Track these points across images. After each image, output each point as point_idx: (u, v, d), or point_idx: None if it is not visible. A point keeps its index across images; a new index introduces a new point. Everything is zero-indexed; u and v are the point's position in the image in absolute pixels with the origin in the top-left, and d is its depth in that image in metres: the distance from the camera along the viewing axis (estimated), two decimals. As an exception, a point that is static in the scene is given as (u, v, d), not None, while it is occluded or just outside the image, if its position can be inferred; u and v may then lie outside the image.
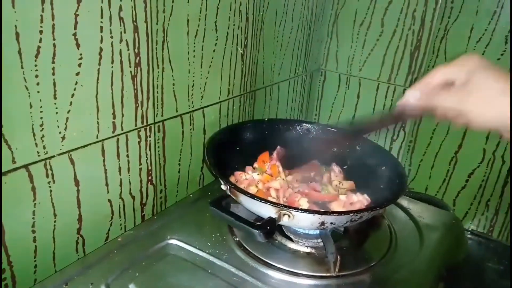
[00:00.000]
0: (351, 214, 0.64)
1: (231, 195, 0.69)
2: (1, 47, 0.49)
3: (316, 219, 0.62)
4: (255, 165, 0.86)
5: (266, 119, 1.00)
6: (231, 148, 0.86)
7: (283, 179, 0.79)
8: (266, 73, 1.05)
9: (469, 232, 1.19)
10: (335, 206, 0.74)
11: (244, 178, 0.80)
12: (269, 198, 0.73)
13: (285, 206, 0.62)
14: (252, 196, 0.64)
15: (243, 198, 0.66)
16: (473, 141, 1.12)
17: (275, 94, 1.13)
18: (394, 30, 1.17)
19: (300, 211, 0.62)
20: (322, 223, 0.63)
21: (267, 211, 0.63)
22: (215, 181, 0.93)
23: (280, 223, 0.63)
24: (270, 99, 1.11)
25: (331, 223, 0.64)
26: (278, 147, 0.90)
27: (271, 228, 0.61)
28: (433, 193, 1.23)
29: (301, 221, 0.64)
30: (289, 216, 0.61)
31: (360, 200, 0.75)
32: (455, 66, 0.50)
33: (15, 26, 0.50)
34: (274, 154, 0.88)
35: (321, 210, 0.71)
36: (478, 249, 1.17)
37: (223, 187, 0.70)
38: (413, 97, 0.53)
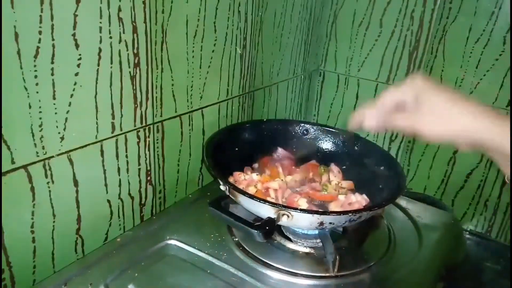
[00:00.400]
0: (350, 214, 0.64)
1: (230, 196, 0.69)
2: (1, 48, 0.49)
3: (315, 219, 0.63)
4: (254, 165, 0.87)
5: (265, 120, 1.01)
6: (230, 149, 0.86)
7: (282, 180, 0.79)
8: (265, 73, 1.05)
9: (467, 232, 1.19)
10: (333, 207, 0.74)
11: (243, 178, 0.80)
12: (268, 199, 0.73)
13: (284, 206, 0.62)
14: (251, 197, 0.64)
15: (242, 199, 0.66)
16: (471, 141, 1.12)
17: (274, 95, 1.13)
18: (393, 31, 1.18)
19: (299, 211, 0.62)
20: (321, 223, 0.63)
21: (266, 212, 0.63)
22: (214, 182, 0.93)
23: (279, 223, 0.63)
24: (269, 99, 1.11)
25: (330, 223, 0.64)
26: (280, 148, 0.90)
27: (270, 228, 0.61)
28: (431, 193, 1.23)
29: (300, 221, 0.64)
30: (288, 216, 0.62)
31: (359, 200, 0.75)
32: (402, 88, 0.53)
33: (14, 26, 0.50)
34: (275, 155, 0.88)
35: (320, 210, 0.71)
36: (477, 249, 1.17)
37: (222, 187, 0.70)
38: (373, 123, 0.56)
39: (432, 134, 0.49)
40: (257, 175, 0.81)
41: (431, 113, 0.50)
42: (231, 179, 0.80)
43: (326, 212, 0.65)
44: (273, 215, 0.62)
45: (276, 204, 0.63)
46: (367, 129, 0.57)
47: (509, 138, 0.44)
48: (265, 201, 0.63)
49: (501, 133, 0.45)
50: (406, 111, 0.52)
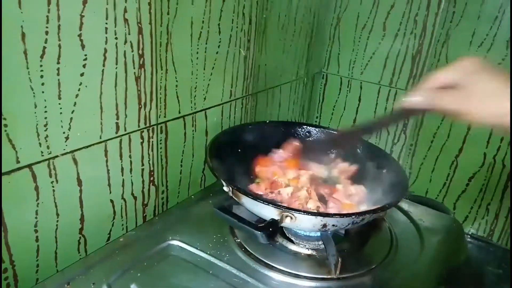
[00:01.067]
0: (353, 217, 0.64)
1: (233, 197, 0.69)
2: (0, 48, 0.50)
3: (318, 221, 0.63)
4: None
5: (267, 121, 1.01)
6: (233, 150, 0.86)
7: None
8: (268, 75, 1.05)
9: (469, 236, 1.19)
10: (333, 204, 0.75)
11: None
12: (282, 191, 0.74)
13: (287, 208, 0.62)
14: (255, 198, 0.64)
15: (245, 200, 0.67)
16: (473, 145, 1.13)
17: (277, 97, 1.13)
18: (396, 34, 1.18)
19: (302, 213, 0.62)
20: (324, 225, 0.63)
21: (269, 213, 0.63)
22: (216, 183, 0.93)
23: (282, 225, 0.63)
24: (272, 101, 1.11)
25: (333, 225, 0.64)
26: (295, 143, 0.89)
27: (273, 229, 0.61)
28: (433, 196, 1.23)
29: (303, 223, 0.64)
30: (291, 218, 0.62)
31: (358, 192, 0.77)
32: (453, 69, 0.52)
33: (21, 26, 0.51)
34: (289, 147, 0.87)
35: (323, 212, 0.71)
36: (478, 253, 1.17)
37: (225, 188, 0.71)
38: (417, 98, 0.56)
39: (480, 116, 0.48)
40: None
41: (481, 94, 0.48)
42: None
43: (329, 214, 0.65)
44: (276, 217, 0.62)
45: (280, 205, 0.63)
46: (413, 103, 0.56)
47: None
48: (268, 203, 0.63)
49: None
50: (455, 90, 0.51)
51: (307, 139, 0.91)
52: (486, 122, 0.48)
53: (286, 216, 0.62)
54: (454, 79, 0.52)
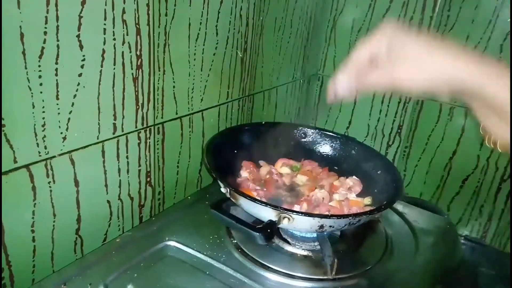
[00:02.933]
0: (350, 218, 0.65)
1: (231, 198, 0.69)
2: (1, 47, 0.50)
3: (315, 222, 0.63)
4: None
5: (263, 122, 1.01)
6: (230, 151, 0.86)
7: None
8: (265, 77, 1.06)
9: (462, 237, 1.20)
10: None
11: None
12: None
13: (285, 209, 0.63)
14: (253, 199, 0.65)
15: (243, 201, 0.67)
16: (467, 148, 1.14)
17: (273, 98, 1.14)
18: (391, 37, 1.19)
19: (300, 214, 0.62)
20: (321, 226, 0.64)
21: (267, 214, 0.64)
22: (213, 184, 0.93)
23: (280, 226, 0.63)
24: (268, 103, 1.12)
25: (330, 226, 0.65)
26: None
27: (271, 231, 0.61)
28: (427, 198, 1.24)
29: (301, 224, 0.64)
30: (289, 219, 0.62)
31: (355, 182, 0.81)
32: (373, 39, 0.48)
33: (20, 26, 0.51)
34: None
35: (321, 213, 0.72)
36: (472, 254, 1.18)
37: (222, 190, 0.71)
38: (346, 91, 0.52)
39: (411, 84, 0.45)
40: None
41: (408, 60, 0.45)
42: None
43: (327, 216, 0.66)
44: (274, 218, 0.63)
45: (277, 207, 0.64)
46: (341, 96, 0.52)
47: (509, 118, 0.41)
48: (266, 204, 0.64)
49: (485, 76, 0.41)
50: (380, 65, 0.47)
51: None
52: (418, 87, 0.45)
53: (284, 217, 0.62)
54: (376, 49, 0.48)
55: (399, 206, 0.91)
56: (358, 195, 0.82)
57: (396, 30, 0.47)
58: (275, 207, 0.63)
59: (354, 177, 0.85)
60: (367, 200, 0.80)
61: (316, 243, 0.73)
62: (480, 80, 0.41)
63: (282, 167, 0.88)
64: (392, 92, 0.49)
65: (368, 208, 0.77)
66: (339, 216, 0.66)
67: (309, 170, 0.89)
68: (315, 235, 0.73)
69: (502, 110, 0.41)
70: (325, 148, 0.95)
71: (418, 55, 0.44)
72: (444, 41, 0.44)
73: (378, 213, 0.69)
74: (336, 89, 0.52)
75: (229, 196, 0.70)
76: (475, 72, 0.41)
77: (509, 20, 1.01)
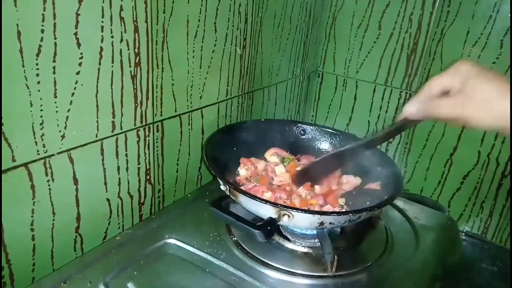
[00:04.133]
0: (350, 214, 0.64)
1: (230, 195, 0.69)
2: (1, 46, 0.50)
3: (315, 219, 0.63)
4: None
5: (263, 119, 1.01)
6: (229, 148, 0.86)
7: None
8: (264, 74, 1.05)
9: (463, 234, 1.20)
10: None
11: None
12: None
13: (285, 207, 0.63)
14: (252, 197, 0.65)
15: (242, 198, 0.67)
16: (468, 144, 1.13)
17: (272, 95, 1.13)
18: (391, 33, 1.18)
19: (300, 211, 0.62)
20: (321, 223, 0.64)
21: (267, 211, 0.63)
22: (212, 181, 0.93)
23: (280, 223, 0.63)
24: (268, 100, 1.11)
25: (330, 223, 0.65)
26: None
27: (271, 228, 0.61)
28: (428, 194, 1.24)
29: (301, 221, 0.64)
30: (289, 216, 0.62)
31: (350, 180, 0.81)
32: (449, 74, 0.52)
33: (17, 24, 0.50)
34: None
35: (321, 210, 0.71)
36: (473, 250, 1.18)
37: (222, 187, 0.71)
38: (413, 109, 0.56)
39: (480, 123, 0.48)
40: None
41: (478, 99, 0.48)
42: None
43: (327, 213, 0.66)
44: (274, 215, 0.63)
45: (277, 204, 0.63)
46: (412, 114, 0.56)
47: None
48: (266, 201, 0.64)
49: None
50: (452, 98, 0.51)
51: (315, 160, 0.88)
52: (486, 126, 0.48)
53: (284, 215, 0.62)
54: (450, 85, 0.52)
55: (399, 202, 0.91)
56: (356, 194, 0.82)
57: (472, 70, 0.50)
58: (275, 204, 0.63)
59: (351, 176, 0.84)
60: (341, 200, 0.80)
61: (316, 240, 0.73)
62: None
63: (272, 156, 0.88)
64: (461, 125, 0.53)
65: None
66: (339, 213, 0.66)
67: (304, 164, 0.89)
68: (315, 232, 0.73)
69: None
70: (324, 145, 0.95)
71: (489, 97, 0.47)
72: None
73: (378, 209, 0.69)
74: (406, 113, 0.57)
75: (228, 194, 0.70)
76: None
77: (510, 15, 1.01)
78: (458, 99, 0.50)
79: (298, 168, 0.85)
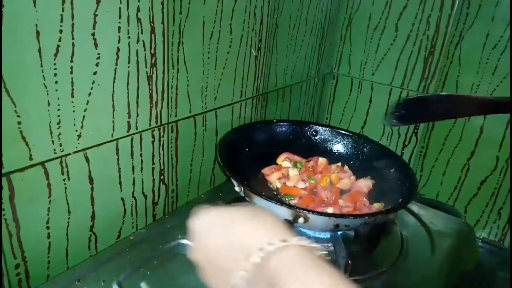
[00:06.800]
0: (366, 217, 0.64)
1: (245, 197, 0.69)
2: (1, 46, 0.50)
3: (331, 221, 0.63)
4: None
5: (275, 120, 1.01)
6: (243, 149, 0.86)
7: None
8: (279, 75, 1.05)
9: (480, 240, 1.18)
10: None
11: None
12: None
13: (301, 209, 0.62)
14: (268, 199, 0.64)
15: (257, 200, 0.66)
16: (486, 149, 1.11)
17: (287, 97, 1.13)
18: (408, 35, 1.17)
19: (316, 214, 0.62)
20: (337, 226, 0.63)
21: (282, 213, 0.63)
22: (226, 182, 0.93)
23: (295, 225, 0.63)
24: (282, 101, 1.11)
25: (346, 225, 0.64)
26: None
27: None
28: (444, 199, 1.22)
29: (316, 224, 0.64)
30: (304, 218, 0.62)
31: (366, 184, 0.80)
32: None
33: (36, 25, 0.51)
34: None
35: (337, 213, 0.71)
36: (489, 258, 1.15)
37: (237, 188, 0.71)
38: None
39: None
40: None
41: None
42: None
43: (343, 215, 0.65)
44: (289, 217, 0.62)
45: (293, 206, 0.63)
46: None
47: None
48: (282, 203, 0.63)
49: None
50: None
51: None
52: None
53: (299, 217, 0.62)
54: None
55: (415, 207, 0.90)
56: (371, 198, 0.81)
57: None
58: (290, 206, 0.63)
59: (365, 178, 0.83)
60: (377, 205, 0.78)
61: (329, 244, 0.72)
62: None
63: (284, 161, 0.87)
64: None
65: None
66: (355, 216, 0.65)
67: (312, 166, 0.88)
68: (328, 235, 0.72)
69: None
70: (337, 146, 0.94)
71: None
72: None
73: (393, 212, 0.68)
74: None
75: (243, 195, 0.69)
76: None
77: (510, 15, 0.99)
78: None
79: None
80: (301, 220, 0.62)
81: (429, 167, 1.23)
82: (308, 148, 0.93)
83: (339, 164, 0.89)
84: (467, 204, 1.18)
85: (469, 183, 1.16)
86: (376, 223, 0.68)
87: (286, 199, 0.77)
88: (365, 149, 0.90)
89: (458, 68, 1.12)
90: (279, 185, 0.82)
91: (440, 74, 1.15)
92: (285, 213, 0.63)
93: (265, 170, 0.86)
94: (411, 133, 1.24)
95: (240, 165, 0.83)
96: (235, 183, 0.70)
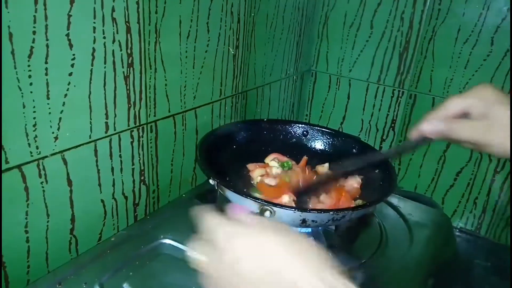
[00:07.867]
0: (332, 213, 0.64)
1: (219, 190, 0.70)
2: (1, 46, 0.50)
3: (296, 215, 0.63)
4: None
5: (265, 119, 1.01)
6: (224, 148, 0.86)
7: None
8: (258, 73, 1.06)
9: (457, 230, 1.21)
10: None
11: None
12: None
13: (266, 202, 0.63)
14: (236, 192, 0.65)
15: (229, 193, 0.67)
16: (460, 141, 1.14)
17: (266, 95, 1.14)
18: (383, 32, 1.19)
19: (280, 207, 0.63)
20: (304, 221, 0.63)
21: (250, 206, 0.64)
22: (207, 181, 0.93)
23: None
24: (261, 99, 1.12)
25: (313, 221, 0.64)
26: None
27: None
28: (422, 191, 1.25)
29: (283, 217, 0.64)
30: (270, 211, 0.62)
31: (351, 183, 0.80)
32: (471, 98, 0.50)
33: (8, 26, 0.50)
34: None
35: (301, 207, 0.71)
36: (466, 246, 1.19)
37: (211, 181, 0.71)
38: (429, 128, 0.54)
39: (503, 149, 0.47)
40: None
41: (506, 129, 0.46)
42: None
43: (307, 209, 0.66)
44: (256, 210, 0.63)
45: (258, 199, 0.64)
46: (429, 132, 0.54)
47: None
48: (247, 196, 0.64)
49: None
50: (474, 121, 0.49)
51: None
52: (505, 154, 0.47)
53: (266, 210, 0.62)
54: (471, 108, 0.50)
55: (393, 199, 0.92)
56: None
57: (496, 96, 0.48)
58: (256, 199, 0.63)
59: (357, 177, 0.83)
60: (358, 201, 0.79)
61: (311, 238, 0.73)
62: None
63: (272, 161, 0.88)
64: (478, 150, 0.51)
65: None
66: (320, 211, 0.65)
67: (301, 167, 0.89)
68: (309, 230, 0.73)
69: None
70: (324, 146, 0.95)
71: None
72: None
73: (366, 208, 0.68)
74: (423, 130, 0.54)
75: (217, 188, 0.70)
76: None
77: (510, 15, 1.02)
78: (481, 123, 0.48)
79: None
80: (267, 213, 0.62)
81: (406, 160, 1.25)
82: (297, 148, 0.93)
83: (326, 164, 0.89)
84: (444, 195, 1.21)
85: (445, 175, 1.20)
86: (352, 218, 0.69)
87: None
88: (354, 149, 0.91)
89: (432, 62, 1.15)
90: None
91: (415, 69, 1.18)
92: (252, 206, 0.63)
93: (250, 166, 0.86)
94: (389, 127, 1.26)
95: (221, 161, 0.83)
96: (209, 176, 0.70)
